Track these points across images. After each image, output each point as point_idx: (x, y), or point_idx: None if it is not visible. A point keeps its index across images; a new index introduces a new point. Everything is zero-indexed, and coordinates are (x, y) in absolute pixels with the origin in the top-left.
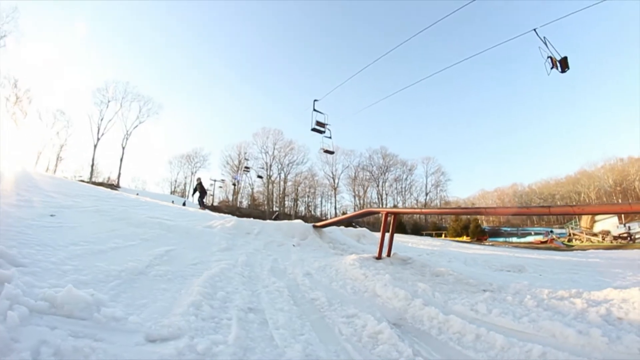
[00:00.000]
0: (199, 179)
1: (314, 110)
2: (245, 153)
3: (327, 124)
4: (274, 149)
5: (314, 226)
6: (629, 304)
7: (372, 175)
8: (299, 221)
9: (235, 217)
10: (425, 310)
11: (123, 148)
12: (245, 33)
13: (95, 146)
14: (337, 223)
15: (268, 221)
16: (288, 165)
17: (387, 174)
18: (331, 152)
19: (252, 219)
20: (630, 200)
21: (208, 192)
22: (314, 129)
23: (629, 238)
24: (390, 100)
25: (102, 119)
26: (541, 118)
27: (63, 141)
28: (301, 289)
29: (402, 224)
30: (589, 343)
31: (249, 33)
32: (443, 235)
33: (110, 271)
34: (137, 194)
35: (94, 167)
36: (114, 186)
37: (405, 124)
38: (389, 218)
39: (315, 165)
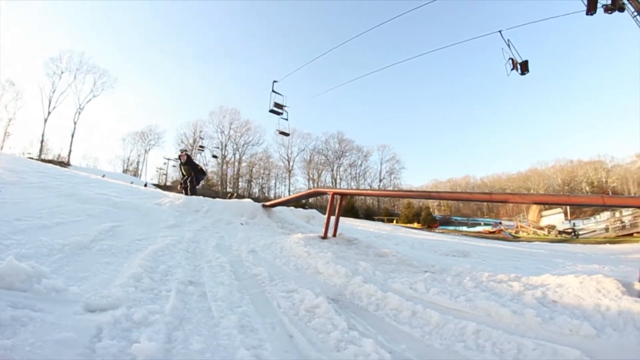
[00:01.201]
0: (183, 153)
1: (273, 91)
2: (200, 132)
3: (285, 106)
4: (230, 128)
5: (264, 205)
6: (564, 288)
7: (328, 160)
8: (249, 200)
9: (184, 195)
10: (364, 287)
11: (75, 123)
12: (205, 11)
13: (45, 121)
14: (287, 203)
15: (217, 199)
16: (243, 145)
17: (342, 158)
18: (287, 134)
19: (201, 197)
20: None
21: (158, 171)
22: (271, 111)
23: (572, 233)
24: (350, 86)
25: (54, 91)
26: (498, 114)
27: (11, 115)
28: (244, 264)
29: (354, 209)
30: (523, 322)
31: (210, 11)
32: (395, 221)
33: (54, 245)
34: (104, 175)
35: (43, 144)
36: (64, 164)
37: (363, 111)
38: (335, 199)
39: (271, 147)
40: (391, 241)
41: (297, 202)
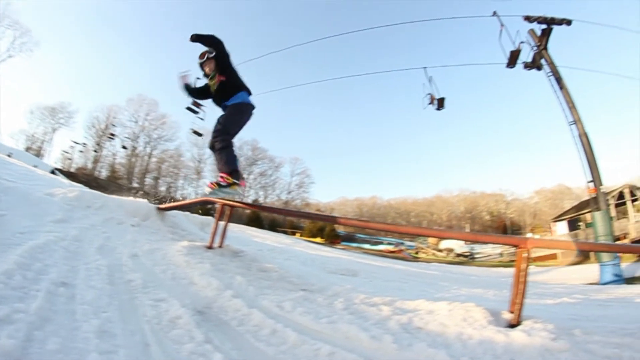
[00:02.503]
0: (206, 57)
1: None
2: (114, 118)
3: (202, 105)
4: (145, 119)
5: (158, 208)
6: (433, 315)
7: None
8: (144, 201)
9: (80, 188)
10: (232, 302)
11: None
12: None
13: None
14: (182, 208)
15: (112, 196)
16: (156, 139)
17: (253, 166)
18: (200, 135)
19: (96, 191)
20: (476, 227)
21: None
22: (188, 108)
23: (470, 256)
24: (272, 96)
25: None
26: (411, 141)
27: None
28: (122, 269)
29: (259, 219)
30: (380, 347)
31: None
32: (299, 234)
33: None
34: (10, 155)
35: None
36: None
37: (281, 122)
38: (224, 209)
39: (184, 145)
40: (283, 255)
41: (201, 207)
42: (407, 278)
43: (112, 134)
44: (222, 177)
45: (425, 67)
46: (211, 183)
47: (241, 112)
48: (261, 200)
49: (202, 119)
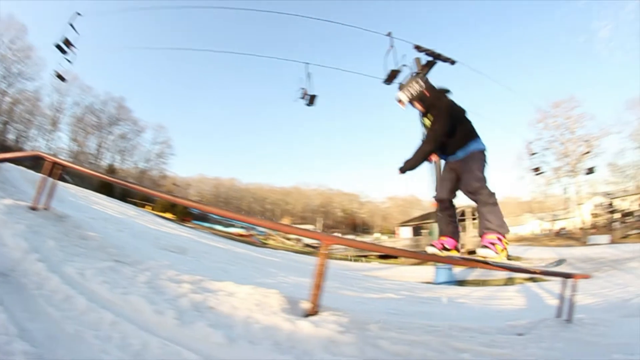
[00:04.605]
0: (414, 84)
1: (70, 25)
2: None
3: (74, 47)
4: (9, 48)
5: None
6: (231, 297)
7: (100, 123)
8: None
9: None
10: (36, 266)
11: None
12: None
13: None
14: (15, 162)
15: None
16: (15, 75)
17: (114, 126)
18: (64, 80)
19: None
20: (328, 221)
21: None
22: (57, 46)
23: (317, 247)
24: (155, 53)
25: None
26: (277, 129)
27: None
28: None
29: (111, 186)
30: (162, 322)
31: None
32: (149, 207)
33: None
34: None
35: None
36: None
37: (156, 85)
38: (54, 169)
39: (44, 88)
40: (118, 226)
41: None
42: (239, 261)
43: None
44: (498, 239)
45: (307, 63)
46: (490, 243)
47: (482, 161)
48: (117, 165)
49: (70, 61)
